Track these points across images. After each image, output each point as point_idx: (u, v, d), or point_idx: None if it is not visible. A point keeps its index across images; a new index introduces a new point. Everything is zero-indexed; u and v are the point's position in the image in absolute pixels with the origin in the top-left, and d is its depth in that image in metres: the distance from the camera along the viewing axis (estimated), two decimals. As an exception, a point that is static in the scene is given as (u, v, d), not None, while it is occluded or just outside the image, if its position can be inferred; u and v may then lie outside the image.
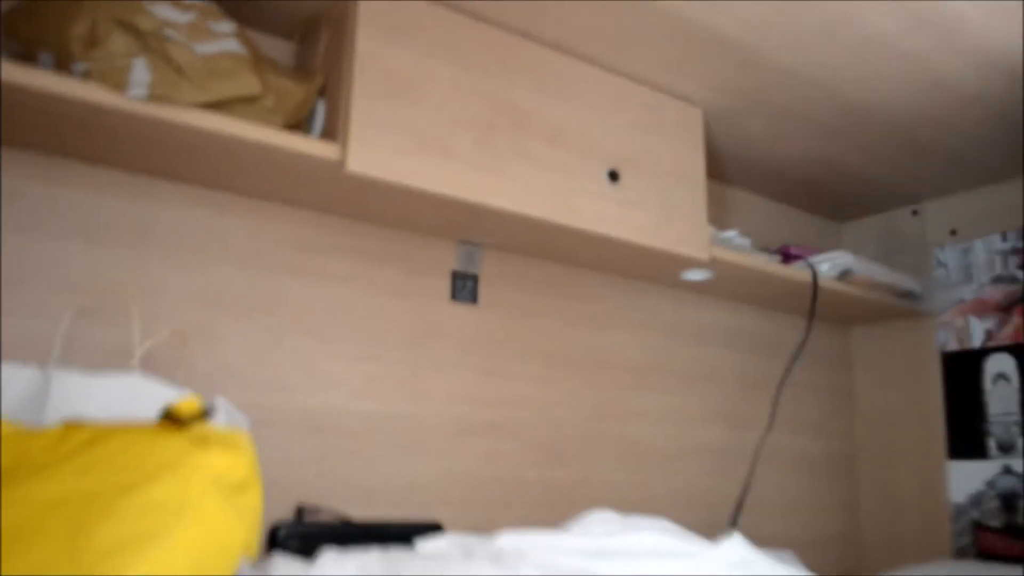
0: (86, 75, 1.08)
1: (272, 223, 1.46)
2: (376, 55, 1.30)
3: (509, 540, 1.19)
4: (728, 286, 2.00)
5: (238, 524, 0.71)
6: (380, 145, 1.27)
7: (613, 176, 1.55)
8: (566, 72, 1.54)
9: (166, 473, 0.70)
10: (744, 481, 2.05)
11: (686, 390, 2.02)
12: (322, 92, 1.36)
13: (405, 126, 1.31)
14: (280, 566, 1.01)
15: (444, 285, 1.65)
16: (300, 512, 1.38)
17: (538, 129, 1.47)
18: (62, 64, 1.09)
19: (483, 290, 1.70)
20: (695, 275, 1.87)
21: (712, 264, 1.76)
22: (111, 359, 1.25)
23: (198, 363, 1.34)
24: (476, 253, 1.68)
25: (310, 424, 1.44)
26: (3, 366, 1.05)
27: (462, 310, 1.66)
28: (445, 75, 1.38)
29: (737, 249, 1.83)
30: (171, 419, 0.79)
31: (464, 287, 1.66)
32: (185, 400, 0.80)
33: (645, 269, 1.83)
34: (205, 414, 0.80)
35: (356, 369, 1.51)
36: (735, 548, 1.20)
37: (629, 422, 1.89)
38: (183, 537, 0.65)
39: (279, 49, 1.50)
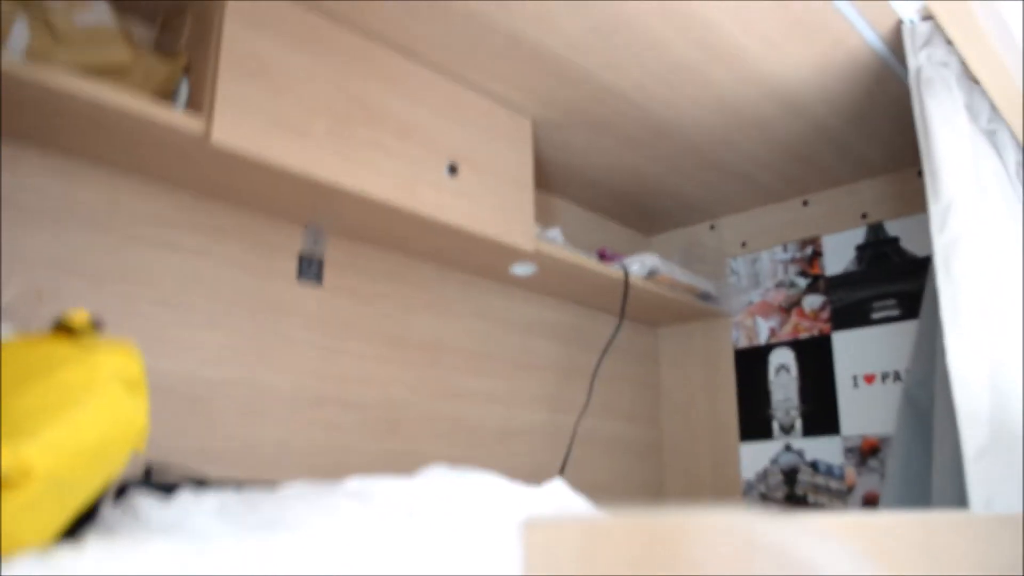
0: (-39, 33, 1.14)
1: (130, 196, 1.53)
2: (241, 39, 1.41)
3: (357, 484, 1.31)
4: (551, 282, 2.21)
5: (139, 412, 0.80)
6: (243, 121, 1.38)
7: (452, 170, 1.72)
8: (414, 76, 1.71)
9: (71, 363, 0.78)
10: (562, 460, 2.25)
11: (513, 376, 2.21)
12: (185, 72, 1.45)
13: (266, 107, 1.43)
14: (140, 501, 1.09)
15: (291, 266, 1.76)
16: (149, 471, 1.44)
17: (387, 123, 1.62)
18: (-63, 22, 1.15)
19: (328, 273, 1.82)
20: (522, 269, 2.07)
21: (537, 257, 1.95)
22: (-32, 313, 1.29)
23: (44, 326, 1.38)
24: (321, 238, 1.80)
25: (157, 386, 1.50)
26: None
27: (308, 290, 1.78)
28: (305, 67, 1.51)
29: (559, 245, 2.04)
30: (63, 328, 0.87)
31: (310, 268, 1.77)
32: (78, 311, 0.88)
33: (478, 261, 2.01)
34: (95, 326, 0.89)
35: (204, 338, 1.59)
36: (556, 488, 1.37)
37: (462, 402, 2.05)
38: (94, 410, 0.74)
39: (139, 33, 1.58)
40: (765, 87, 1.85)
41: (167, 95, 1.42)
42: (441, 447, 1.98)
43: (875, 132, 2.09)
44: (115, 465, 0.79)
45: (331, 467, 1.73)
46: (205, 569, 0.69)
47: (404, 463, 1.88)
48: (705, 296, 2.51)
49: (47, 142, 1.40)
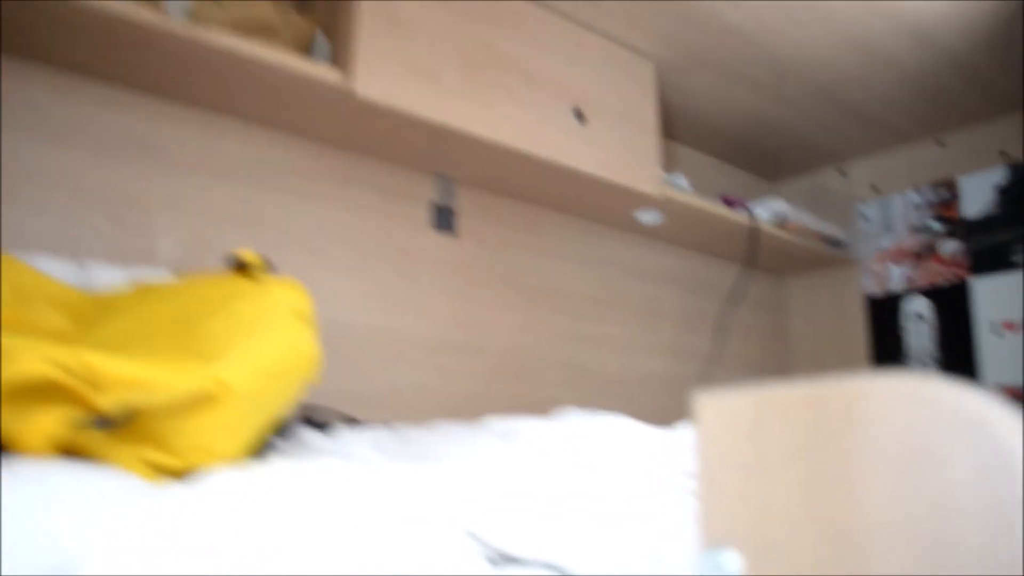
0: (128, -3, 1.21)
1: (270, 148, 1.60)
2: (378, -6, 1.46)
3: (497, 423, 1.35)
4: (675, 229, 2.21)
5: (312, 342, 0.86)
6: (382, 74, 1.43)
7: (579, 115, 1.73)
8: (541, 22, 1.72)
9: (247, 296, 0.85)
10: (685, 411, 2.26)
11: (636, 323, 2.23)
12: (321, 26, 1.51)
13: (402, 59, 1.47)
14: (304, 433, 1.16)
15: (423, 215, 1.81)
16: (304, 412, 1.53)
17: (515, 70, 1.65)
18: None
19: (460, 222, 1.87)
20: (647, 216, 2.07)
21: (662, 203, 1.95)
22: (137, 258, 1.39)
23: (209, 268, 1.48)
24: (452, 187, 1.85)
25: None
26: (46, 259, 1.19)
27: (440, 239, 1.83)
28: (436, 17, 1.54)
29: (684, 191, 2.03)
30: (237, 266, 0.94)
31: (443, 218, 1.82)
32: (249, 251, 0.95)
33: (603, 208, 2.02)
34: (268, 264, 0.95)
35: (344, 284, 1.67)
36: (687, 431, 1.38)
37: (586, 349, 2.08)
38: (270, 339, 0.80)
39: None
40: (897, 20, 1.78)
41: (307, 50, 1.48)
42: (566, 392, 2.01)
43: (1015, 63, 1.98)
44: (294, 390, 0.85)
45: (466, 410, 1.79)
46: (370, 486, 0.74)
47: (533, 407, 1.93)
48: (834, 242, 2.45)
49: (198, 99, 1.48)
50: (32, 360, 0.62)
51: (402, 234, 1.77)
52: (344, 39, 1.44)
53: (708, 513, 0.42)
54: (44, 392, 0.65)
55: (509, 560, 0.86)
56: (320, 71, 1.37)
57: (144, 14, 1.21)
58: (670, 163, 2.41)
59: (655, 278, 2.32)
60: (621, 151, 1.82)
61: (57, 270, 1.18)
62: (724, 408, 0.42)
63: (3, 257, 1.06)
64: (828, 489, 0.39)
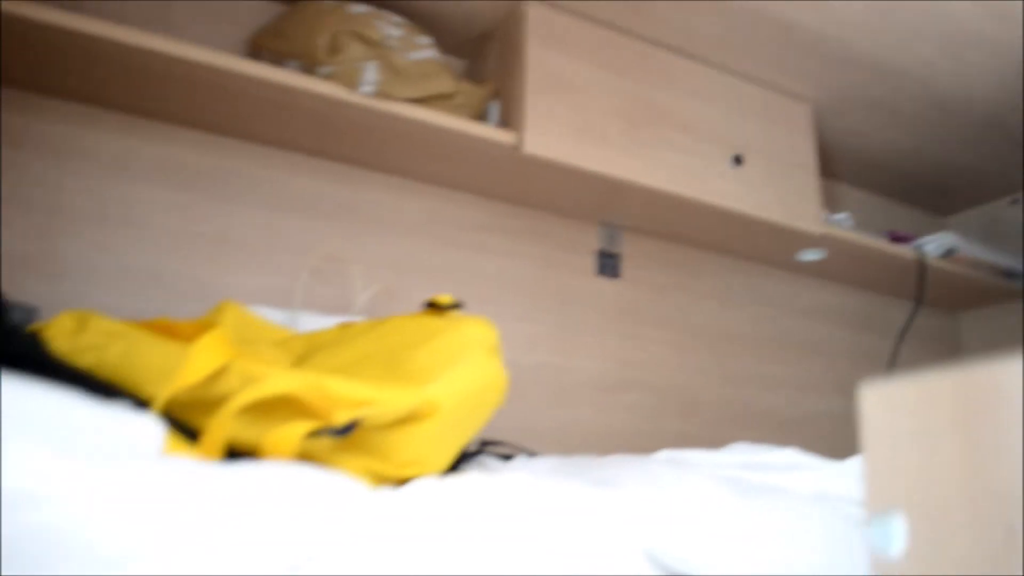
0: (328, 77, 1.39)
1: (447, 205, 1.76)
2: (543, 59, 1.59)
3: (667, 454, 1.41)
4: (839, 266, 2.21)
5: (500, 371, 0.97)
6: (548, 132, 1.56)
7: (737, 160, 1.80)
8: (697, 75, 1.81)
9: (444, 333, 0.97)
10: (857, 449, 2.23)
11: (800, 361, 2.23)
12: (495, 96, 1.65)
13: (567, 117, 1.59)
14: (487, 460, 1.27)
15: (589, 262, 1.92)
16: (483, 443, 1.64)
17: (674, 122, 1.74)
18: (307, 70, 1.41)
19: (624, 267, 1.96)
20: (810, 255, 2.09)
21: (825, 241, 1.97)
22: (334, 307, 1.55)
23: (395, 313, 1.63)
24: (617, 235, 1.95)
25: (485, 372, 1.72)
26: (262, 308, 1.36)
27: (606, 284, 1.92)
28: (598, 77, 1.66)
29: (846, 228, 2.04)
30: (433, 307, 1.07)
31: (608, 264, 1.92)
32: (442, 295, 1.08)
33: (764, 249, 2.06)
34: (457, 305, 1.07)
35: (515, 328, 1.79)
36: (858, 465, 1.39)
37: (751, 387, 2.11)
38: (468, 368, 0.92)
39: (453, 65, 1.81)
40: (1068, 47, 1.75)
41: (480, 117, 1.62)
42: (733, 430, 2.04)
43: None
44: (486, 414, 0.96)
45: (634, 445, 1.86)
46: (557, 500, 0.83)
47: (700, 443, 1.97)
48: (1010, 274, 2.37)
49: (387, 165, 1.66)
50: (279, 381, 0.76)
51: (570, 280, 1.88)
52: (513, 102, 1.58)
53: (874, 484, 0.49)
54: (286, 408, 0.78)
55: (686, 581, 0.92)
56: (492, 133, 1.51)
57: (341, 92, 1.39)
58: (834, 203, 2.42)
59: (821, 316, 2.32)
60: (781, 192, 1.86)
61: (271, 316, 1.36)
62: (888, 393, 0.48)
63: (227, 303, 1.24)
64: (983, 456, 0.45)
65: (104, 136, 1.46)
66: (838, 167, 2.37)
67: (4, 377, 0.58)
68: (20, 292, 1.32)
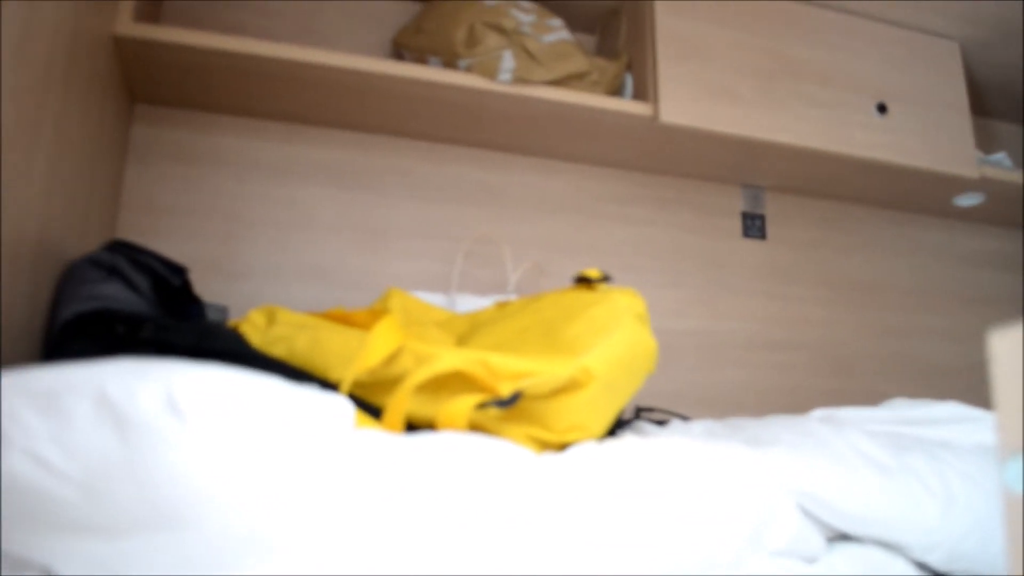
0: (468, 69, 1.46)
1: (589, 180, 1.81)
2: (673, 27, 1.61)
3: (823, 412, 1.41)
4: (998, 209, 2.11)
5: (650, 339, 1.02)
6: (683, 99, 1.58)
7: (881, 108, 1.75)
8: (831, 24, 1.78)
9: (595, 305, 1.03)
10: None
11: (961, 311, 2.16)
12: (628, 69, 1.68)
13: (700, 82, 1.60)
14: (643, 425, 1.32)
15: (734, 225, 1.92)
16: (638, 410, 1.69)
17: (811, 74, 1.71)
18: (448, 64, 1.49)
19: (770, 227, 1.96)
20: (967, 200, 2.01)
21: (982, 184, 1.90)
22: (488, 287, 1.64)
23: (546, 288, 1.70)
24: (760, 195, 1.95)
25: (636, 340, 1.76)
26: (423, 293, 1.45)
27: (752, 245, 1.93)
28: (728, 38, 1.66)
29: (1005, 169, 1.95)
30: (583, 281, 1.13)
31: (753, 225, 1.92)
32: (591, 269, 1.13)
33: (915, 197, 2.00)
34: (606, 278, 1.13)
35: (663, 295, 1.82)
36: None
37: (907, 340, 2.06)
38: (619, 337, 0.97)
39: (583, 42, 1.85)
40: None
41: (616, 91, 1.65)
42: (890, 385, 2.01)
43: None
44: (638, 380, 1.01)
45: (788, 404, 1.86)
46: (704, 461, 0.87)
47: (856, 399, 1.95)
48: None
49: (528, 147, 1.73)
50: (449, 359, 0.83)
51: (715, 244, 1.89)
52: (647, 73, 1.60)
53: (1005, 427, 0.51)
54: (455, 384, 0.86)
55: (843, 537, 0.94)
56: (628, 106, 1.55)
57: (482, 82, 1.46)
58: (989, 142, 2.31)
59: (979, 263, 2.23)
60: (931, 137, 1.80)
61: (432, 299, 1.45)
62: (1018, 337, 0.50)
63: (393, 290, 1.34)
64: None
65: (269, 145, 1.60)
66: (991, 105, 2.26)
67: (215, 366, 0.68)
68: (210, 293, 1.47)
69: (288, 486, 0.65)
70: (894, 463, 0.99)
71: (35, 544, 0.60)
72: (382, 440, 0.71)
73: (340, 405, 0.70)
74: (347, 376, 0.84)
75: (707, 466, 0.87)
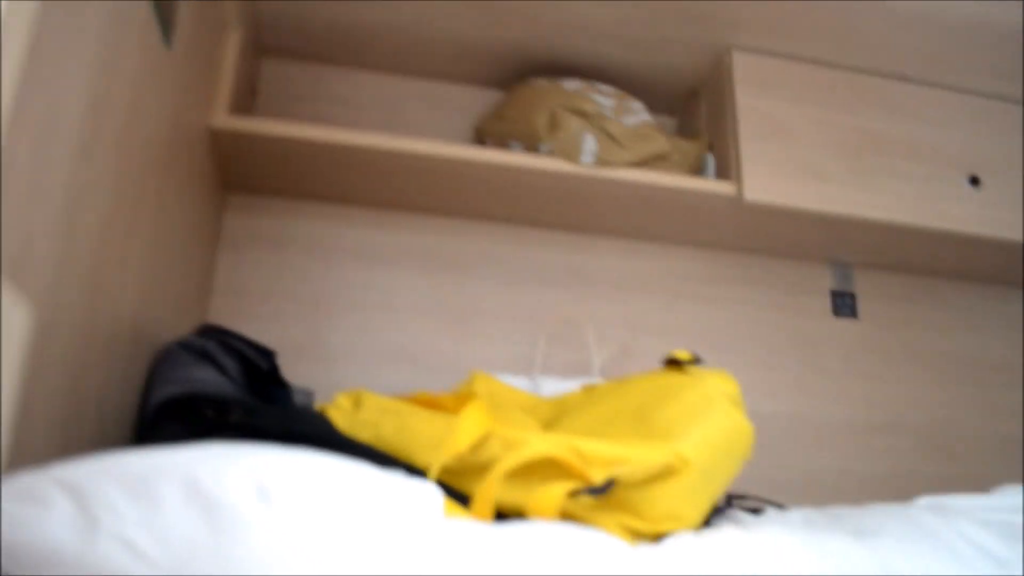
0: (549, 153, 1.47)
1: (674, 261, 1.79)
2: (754, 106, 1.60)
3: (928, 500, 1.33)
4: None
5: (745, 423, 0.98)
6: (766, 177, 1.55)
7: (974, 181, 1.70)
8: (915, 96, 1.74)
9: (688, 388, 0.99)
10: None
11: (1071, 390, 2.03)
12: (709, 149, 1.67)
13: (784, 160, 1.58)
14: (737, 513, 1.26)
15: (822, 303, 1.87)
16: (730, 498, 1.63)
17: (897, 148, 1.67)
18: (529, 148, 1.50)
19: (861, 305, 1.89)
20: (1067, 273, 1.92)
21: (1085, 255, 1.81)
22: (572, 370, 1.61)
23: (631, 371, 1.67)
24: (849, 273, 1.89)
25: (725, 424, 1.70)
26: (507, 376, 1.44)
27: (843, 324, 1.86)
28: (812, 115, 1.64)
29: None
30: (673, 363, 1.10)
31: (843, 303, 1.86)
32: (681, 350, 1.10)
33: (1012, 271, 1.92)
34: (697, 360, 1.09)
35: (754, 377, 1.77)
36: None
37: (1016, 421, 1.94)
38: (714, 421, 0.93)
39: (664, 123, 1.86)
40: None
41: (697, 171, 1.64)
42: (999, 469, 1.89)
43: None
44: (735, 467, 0.97)
45: (892, 491, 1.77)
46: (807, 555, 0.82)
47: (965, 486, 1.83)
48: None
49: (611, 229, 1.73)
50: (540, 445, 0.81)
51: (805, 324, 1.84)
52: (729, 152, 1.59)
53: None
54: (545, 471, 0.83)
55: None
56: (712, 185, 1.53)
57: (564, 165, 1.46)
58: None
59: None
60: (1025, 209, 1.74)
61: (515, 383, 1.43)
62: None
63: (477, 374, 1.32)
64: None
65: (355, 231, 1.63)
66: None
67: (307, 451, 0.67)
68: (296, 376, 1.47)
69: (375, 574, 0.63)
70: (1010, 555, 0.93)
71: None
72: (472, 529, 0.68)
73: (429, 492, 0.69)
74: (435, 462, 0.82)
75: (811, 561, 0.82)
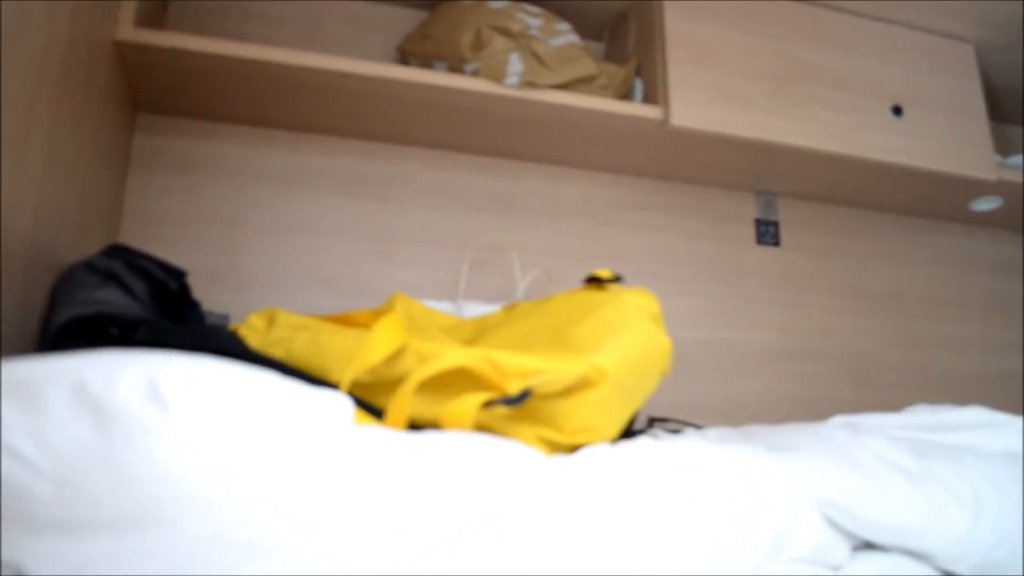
0: (474, 73, 1.44)
1: (600, 187, 1.78)
2: (683, 31, 1.58)
3: (841, 419, 1.36)
4: (1015, 214, 2.07)
5: (663, 339, 0.98)
6: (694, 102, 1.54)
7: (897, 111, 1.72)
8: (845, 27, 1.74)
9: (606, 304, 0.99)
10: (1061, 404, 2.08)
11: (983, 320, 2.10)
12: (637, 74, 1.65)
13: (712, 86, 1.57)
14: (656, 432, 1.27)
15: (747, 231, 1.88)
16: (651, 420, 1.65)
17: (824, 78, 1.68)
18: (453, 68, 1.46)
19: (784, 234, 1.92)
20: (985, 204, 1.97)
21: (1001, 187, 1.85)
22: (496, 296, 1.60)
23: (558, 302, 1.66)
24: (774, 201, 1.91)
25: (649, 350, 1.72)
26: (430, 301, 1.42)
27: (766, 252, 1.89)
28: (740, 41, 1.63)
29: (1025, 172, 1.91)
30: (593, 281, 1.09)
31: (767, 232, 1.88)
32: (602, 269, 1.09)
33: (934, 202, 1.96)
34: (618, 278, 1.09)
35: (677, 303, 1.78)
36: None
37: (931, 350, 2.01)
38: (632, 336, 0.93)
39: (590, 48, 1.83)
40: None
41: (625, 96, 1.62)
42: (913, 395, 1.96)
43: None
44: (652, 381, 0.97)
45: (806, 415, 1.81)
46: (722, 465, 0.83)
47: (876, 410, 1.89)
48: None
49: (537, 154, 1.70)
50: (455, 356, 0.80)
51: (729, 252, 1.85)
52: (656, 77, 1.57)
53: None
54: (460, 383, 0.82)
55: (868, 545, 0.90)
56: (639, 109, 1.52)
57: (489, 86, 1.43)
58: (1007, 146, 2.26)
59: (1003, 269, 2.18)
60: (948, 140, 1.76)
61: (439, 308, 1.41)
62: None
63: (398, 296, 1.30)
64: None
65: (273, 153, 1.57)
66: (1007, 108, 2.22)
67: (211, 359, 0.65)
68: (213, 303, 1.43)
69: (280, 484, 0.61)
70: (918, 469, 0.95)
71: (7, 543, 0.57)
72: (382, 437, 0.67)
73: (337, 400, 0.67)
74: (346, 374, 0.80)
75: (725, 469, 0.83)
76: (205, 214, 1.50)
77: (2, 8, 0.80)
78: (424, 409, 0.82)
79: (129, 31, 1.27)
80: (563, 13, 1.69)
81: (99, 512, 0.56)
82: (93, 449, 0.57)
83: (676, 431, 1.42)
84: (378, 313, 1.03)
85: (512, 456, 0.74)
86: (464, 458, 0.71)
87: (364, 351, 0.81)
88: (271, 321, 1.00)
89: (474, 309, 1.45)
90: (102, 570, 0.57)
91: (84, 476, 0.56)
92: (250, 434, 0.61)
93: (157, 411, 0.58)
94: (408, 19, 1.70)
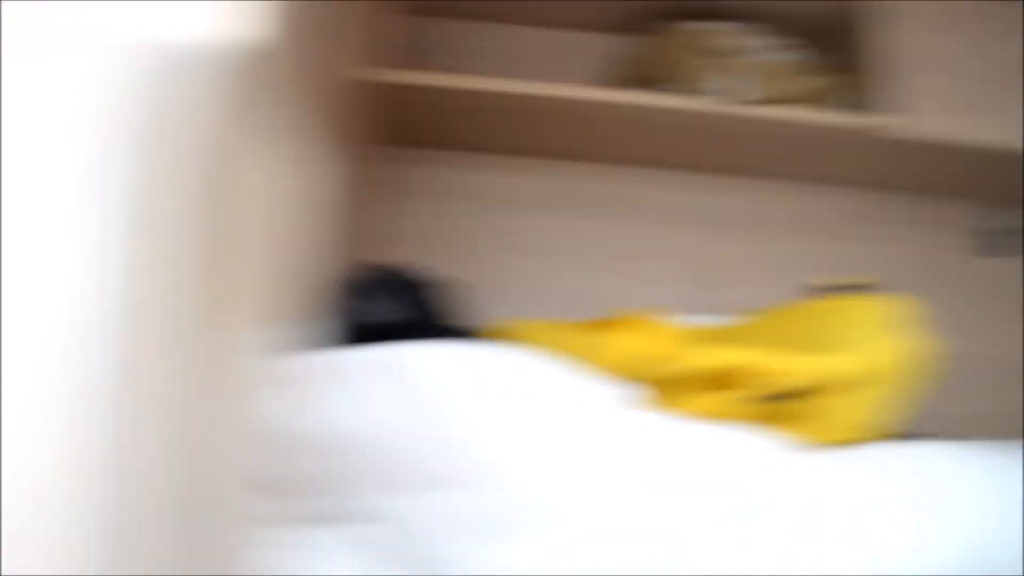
0: (696, 93, 1.47)
1: (815, 202, 1.76)
2: (909, 39, 1.54)
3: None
4: None
5: (919, 346, 0.96)
6: (920, 111, 1.50)
7: None
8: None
9: (858, 311, 0.99)
10: None
11: None
12: (868, 85, 1.61)
13: (947, 92, 1.52)
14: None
15: (972, 241, 1.78)
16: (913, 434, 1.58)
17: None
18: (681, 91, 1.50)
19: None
20: None
21: None
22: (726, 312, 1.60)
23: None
24: (1012, 210, 1.78)
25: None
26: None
27: (989, 263, 1.78)
28: (970, 46, 1.56)
29: None
30: (837, 288, 1.10)
31: (997, 241, 1.76)
32: (851, 277, 1.11)
33: None
34: (867, 286, 1.09)
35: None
36: None
37: None
38: (879, 340, 0.93)
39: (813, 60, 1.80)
40: None
41: (853, 108, 1.58)
42: None
43: None
44: (909, 387, 0.95)
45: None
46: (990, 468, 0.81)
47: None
48: None
49: (752, 169, 1.71)
50: (719, 354, 0.84)
51: (954, 262, 1.76)
52: (890, 87, 1.53)
53: None
54: (721, 382, 0.85)
55: None
56: (880, 120, 1.50)
57: (714, 105, 1.46)
58: None
59: None
60: None
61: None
62: None
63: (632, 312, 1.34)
64: None
65: (504, 179, 1.69)
66: None
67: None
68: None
69: (566, 459, 0.68)
70: None
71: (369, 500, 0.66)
72: (662, 423, 0.72)
73: (617, 389, 0.72)
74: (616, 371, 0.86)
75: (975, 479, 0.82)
76: (443, 239, 1.62)
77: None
78: (687, 405, 0.86)
79: (385, 73, 1.42)
80: (785, 29, 1.69)
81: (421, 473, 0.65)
82: (408, 422, 0.66)
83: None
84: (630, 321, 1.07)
85: (772, 447, 0.77)
86: (733, 447, 0.74)
87: (646, 350, 0.87)
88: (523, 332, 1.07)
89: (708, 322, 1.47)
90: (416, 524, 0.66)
91: (402, 444, 0.66)
92: (542, 413, 0.68)
93: (471, 394, 0.66)
94: (610, 46, 1.75)
